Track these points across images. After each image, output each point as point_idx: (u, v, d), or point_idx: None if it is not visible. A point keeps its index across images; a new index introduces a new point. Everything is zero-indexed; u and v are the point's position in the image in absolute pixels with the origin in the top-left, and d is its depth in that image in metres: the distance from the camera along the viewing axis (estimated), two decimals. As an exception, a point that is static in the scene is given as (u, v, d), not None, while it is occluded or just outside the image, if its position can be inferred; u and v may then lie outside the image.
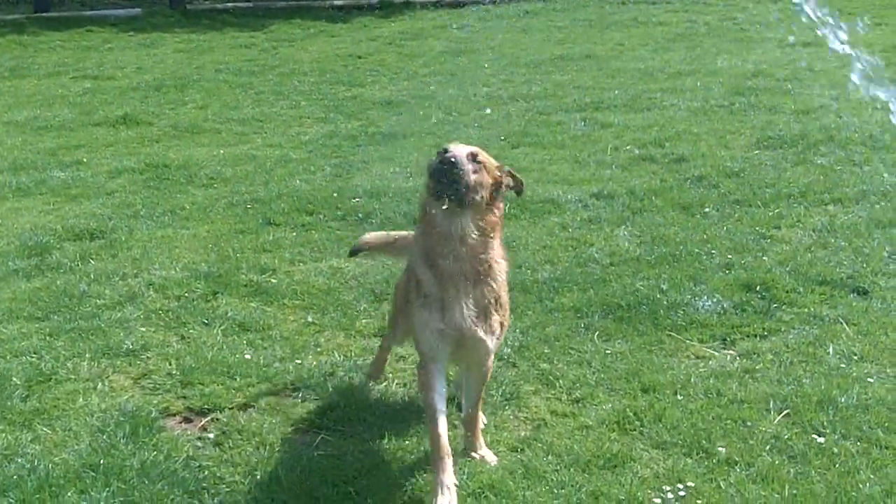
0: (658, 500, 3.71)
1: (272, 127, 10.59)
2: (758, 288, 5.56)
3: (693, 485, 3.79)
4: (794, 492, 3.68)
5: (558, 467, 3.98)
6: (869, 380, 4.53)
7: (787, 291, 5.50)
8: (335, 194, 7.79)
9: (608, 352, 5.00)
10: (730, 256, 6.07)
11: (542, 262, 6.28)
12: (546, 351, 5.04)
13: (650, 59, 13.39)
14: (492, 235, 3.79)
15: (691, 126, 9.49)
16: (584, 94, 11.40)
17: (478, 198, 3.70)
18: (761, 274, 5.74)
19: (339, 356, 5.07)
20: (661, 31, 15.87)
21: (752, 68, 12.09)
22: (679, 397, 4.46)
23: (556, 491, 3.82)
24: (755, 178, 7.66)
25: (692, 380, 4.61)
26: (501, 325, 3.91)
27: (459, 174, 3.64)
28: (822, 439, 4.04)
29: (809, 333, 5.03)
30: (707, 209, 7.04)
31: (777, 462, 3.91)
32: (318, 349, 5.18)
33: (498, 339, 3.95)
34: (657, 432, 4.19)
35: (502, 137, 9.63)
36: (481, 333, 3.81)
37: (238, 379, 4.83)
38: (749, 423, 4.20)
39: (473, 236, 3.73)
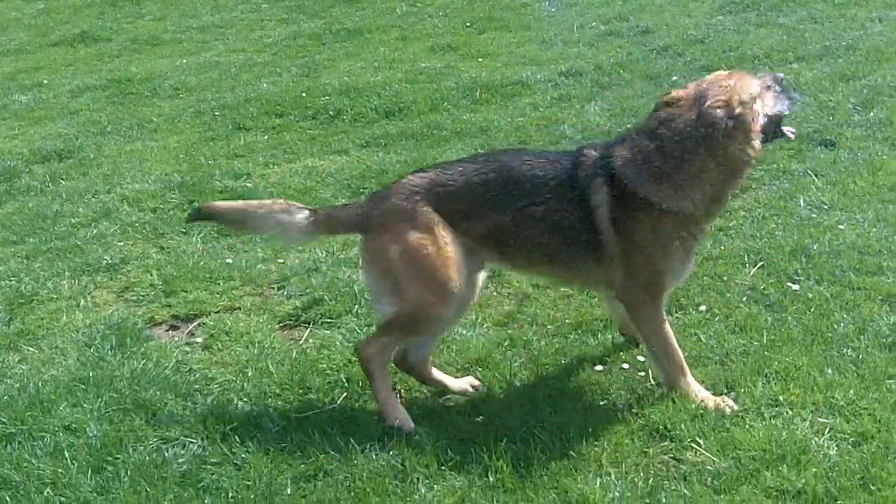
0: (641, 357, 3.80)
1: (234, 32, 10.44)
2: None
3: (674, 340, 3.89)
4: (772, 338, 3.78)
5: (542, 337, 4.08)
6: (840, 227, 4.61)
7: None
8: (304, 94, 7.74)
9: (585, 224, 5.06)
10: (698, 121, 6.09)
11: (516, 142, 6.30)
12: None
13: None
14: None
15: (655, -3, 9.41)
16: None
17: None
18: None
19: (322, 252, 5.10)
20: None
21: (713, -67, 11.90)
22: (656, 259, 4.53)
23: (541, 359, 3.91)
24: (719, 44, 7.64)
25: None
26: None
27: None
28: (796, 286, 4.14)
29: (780, 188, 5.09)
30: (674, 78, 7.01)
31: (754, 311, 4.01)
32: (300, 248, 5.21)
33: None
34: (636, 294, 4.27)
35: (468, 24, 9.55)
36: None
37: (221, 283, 4.87)
38: (725, 278, 4.29)
39: None
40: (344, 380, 3.94)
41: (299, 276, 4.88)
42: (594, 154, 3.54)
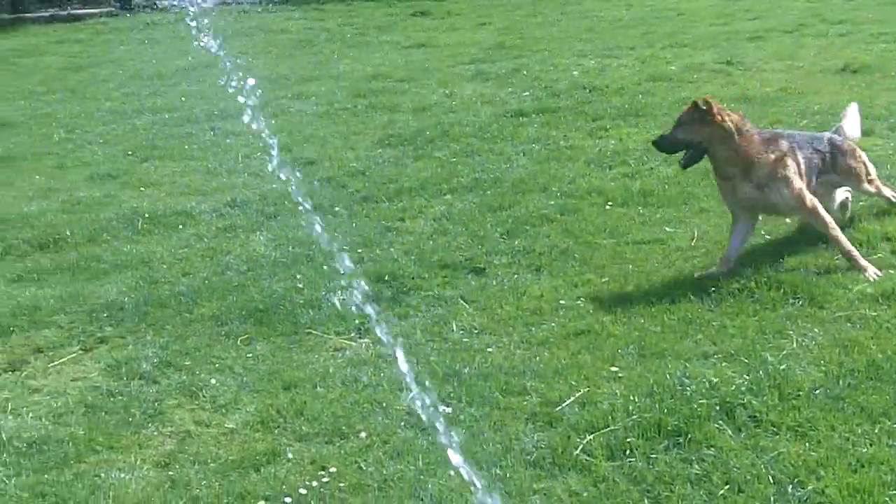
0: (304, 490, 3.83)
1: None
2: (387, 277, 5.85)
3: (335, 469, 3.94)
4: (428, 461, 3.94)
5: (205, 475, 4.00)
6: (488, 350, 4.92)
7: (412, 278, 5.83)
8: (-54, 226, 7.26)
9: (249, 355, 5.07)
10: (360, 251, 6.34)
11: (180, 275, 6.23)
12: (188, 363, 5.02)
13: (275, 66, 13.56)
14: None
15: (318, 130, 9.75)
16: (211, 104, 11.34)
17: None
18: (389, 264, 6.05)
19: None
20: (284, 39, 16.10)
21: (372, 71, 12.59)
22: (319, 389, 4.62)
23: (203, 499, 3.83)
24: (379, 176, 8.02)
25: (330, 371, 4.79)
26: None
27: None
28: (449, 409, 4.35)
29: (435, 314, 5.37)
30: (337, 208, 7.29)
31: (411, 436, 4.16)
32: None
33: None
34: (300, 426, 4.31)
35: (129, 152, 9.40)
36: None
37: None
38: (384, 405, 4.43)
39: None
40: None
41: (-63, 425, 4.51)
42: None
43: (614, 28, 15.14)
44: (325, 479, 3.89)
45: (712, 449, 3.88)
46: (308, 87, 11.93)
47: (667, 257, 5.88)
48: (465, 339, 5.06)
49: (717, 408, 4.13)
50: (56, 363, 5.14)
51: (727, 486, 3.65)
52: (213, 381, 4.81)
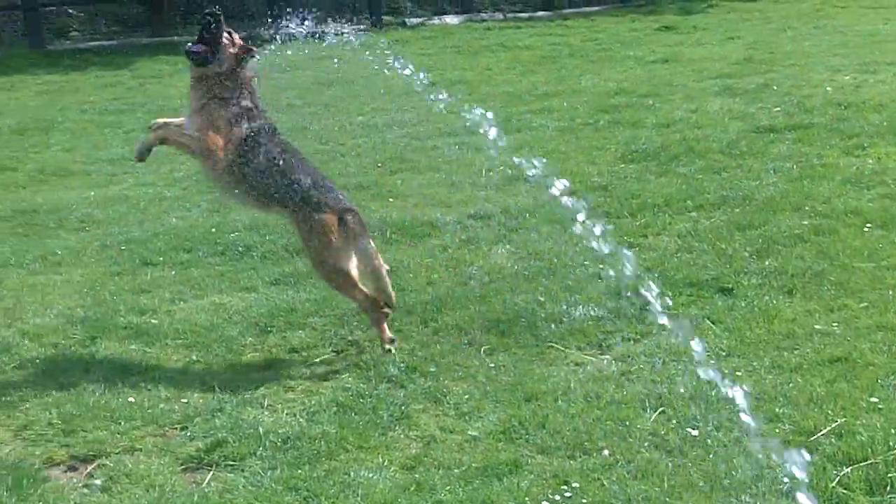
0: (546, 503, 3.83)
1: (144, 166, 10.39)
2: (628, 294, 5.78)
3: (578, 485, 3.93)
4: (673, 483, 3.85)
5: (449, 480, 4.08)
6: (737, 373, 4.76)
7: (656, 296, 5.72)
8: (213, 230, 7.76)
9: (492, 365, 5.13)
10: (601, 266, 6.29)
11: (424, 283, 6.39)
12: (432, 370, 5.14)
13: (518, 82, 13.72)
14: None
15: (559, 145, 9.77)
16: (456, 119, 11.59)
17: None
18: (632, 281, 5.97)
19: (226, 392, 5.05)
20: (527, 55, 16.26)
21: (615, 86, 12.50)
22: (560, 403, 4.61)
23: (447, 504, 3.92)
24: (622, 191, 7.94)
25: (572, 385, 4.77)
26: None
27: None
28: (695, 432, 4.24)
29: (679, 334, 5.25)
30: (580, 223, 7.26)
31: (655, 457, 4.08)
32: (204, 387, 5.16)
33: None
34: (542, 438, 4.32)
35: (379, 164, 9.74)
36: None
37: (122, 423, 4.77)
38: (627, 423, 4.37)
39: None
40: (246, 526, 3.88)
41: (203, 416, 4.81)
42: None
43: (871, 43, 14.35)
44: (567, 494, 3.88)
45: None
46: (550, 102, 11.98)
47: (934, 284, 5.50)
48: (711, 361, 4.91)
49: None
50: (310, 363, 5.39)
51: None
52: (456, 388, 4.90)
